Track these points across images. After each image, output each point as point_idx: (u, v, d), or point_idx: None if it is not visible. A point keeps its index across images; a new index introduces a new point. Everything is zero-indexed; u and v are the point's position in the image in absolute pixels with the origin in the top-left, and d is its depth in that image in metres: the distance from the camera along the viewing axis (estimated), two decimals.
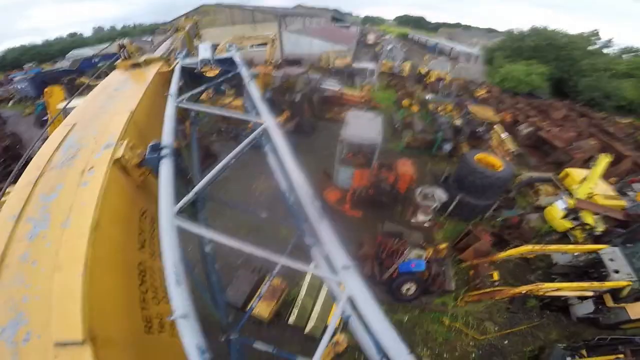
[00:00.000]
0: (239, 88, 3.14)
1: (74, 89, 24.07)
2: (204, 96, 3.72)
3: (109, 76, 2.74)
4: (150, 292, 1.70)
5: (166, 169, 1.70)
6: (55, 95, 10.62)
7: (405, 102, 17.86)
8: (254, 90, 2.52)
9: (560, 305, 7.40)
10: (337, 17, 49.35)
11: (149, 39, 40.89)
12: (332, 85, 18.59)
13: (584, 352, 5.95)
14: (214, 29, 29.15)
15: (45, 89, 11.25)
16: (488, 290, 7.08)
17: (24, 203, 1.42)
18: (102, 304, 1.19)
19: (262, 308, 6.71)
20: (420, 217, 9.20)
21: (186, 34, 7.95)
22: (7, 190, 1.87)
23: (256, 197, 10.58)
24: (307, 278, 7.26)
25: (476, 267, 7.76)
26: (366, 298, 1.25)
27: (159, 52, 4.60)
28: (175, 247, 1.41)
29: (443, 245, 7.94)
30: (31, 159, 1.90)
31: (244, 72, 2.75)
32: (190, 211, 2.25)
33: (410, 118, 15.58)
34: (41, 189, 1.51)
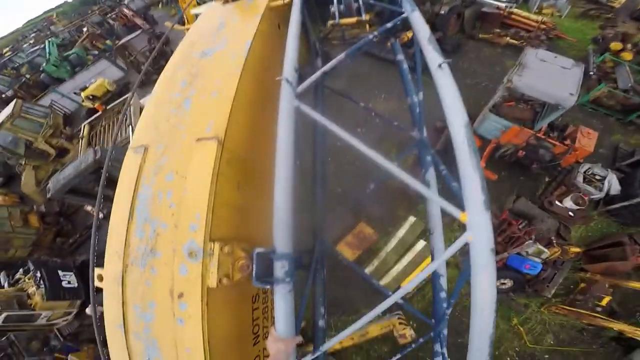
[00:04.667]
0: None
1: None
2: None
3: (198, 19, 1.91)
4: None
5: (284, 307, 1.08)
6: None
7: (615, 45, 11.91)
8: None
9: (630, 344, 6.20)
10: None
11: None
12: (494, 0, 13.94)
13: None
14: None
15: None
16: (583, 312, 6.06)
17: (122, 311, 1.19)
18: None
19: (347, 253, 6.66)
20: (568, 204, 6.89)
21: None
22: None
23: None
24: (399, 233, 6.87)
25: (591, 283, 6.40)
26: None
27: None
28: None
29: (575, 249, 6.37)
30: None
31: (418, 18, 1.71)
32: None
33: (615, 67, 10.90)
34: (133, 296, 1.18)
